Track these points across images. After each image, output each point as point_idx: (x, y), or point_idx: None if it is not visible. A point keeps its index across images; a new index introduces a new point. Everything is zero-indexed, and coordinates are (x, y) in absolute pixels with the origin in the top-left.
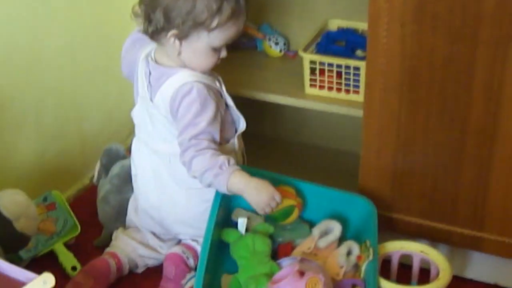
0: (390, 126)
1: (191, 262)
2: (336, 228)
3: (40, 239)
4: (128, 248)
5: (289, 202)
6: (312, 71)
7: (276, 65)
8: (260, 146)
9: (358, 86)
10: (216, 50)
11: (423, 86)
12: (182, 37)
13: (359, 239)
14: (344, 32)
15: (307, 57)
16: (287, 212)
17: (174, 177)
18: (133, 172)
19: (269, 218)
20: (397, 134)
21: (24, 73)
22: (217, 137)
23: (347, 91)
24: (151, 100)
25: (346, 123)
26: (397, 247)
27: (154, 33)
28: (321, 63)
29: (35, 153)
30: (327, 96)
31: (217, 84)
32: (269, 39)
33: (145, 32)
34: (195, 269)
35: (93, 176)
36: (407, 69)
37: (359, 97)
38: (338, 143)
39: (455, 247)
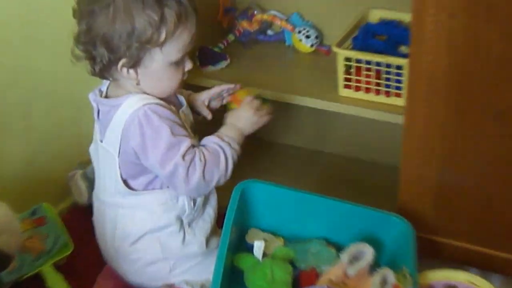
0: (435, 135)
1: None
2: (368, 253)
3: (25, 259)
4: None
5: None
6: (348, 69)
7: (306, 62)
8: (278, 155)
9: (400, 88)
10: (178, 64)
11: (475, 88)
12: (134, 64)
13: (395, 266)
14: (386, 25)
15: (342, 53)
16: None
17: (118, 232)
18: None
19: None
20: (444, 144)
21: (12, 73)
22: (190, 140)
23: (387, 94)
24: (101, 140)
25: (383, 130)
26: (441, 277)
27: (103, 71)
28: (358, 61)
29: (23, 160)
30: (363, 99)
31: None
32: (299, 32)
33: (93, 73)
34: None
35: (80, 196)
36: (456, 68)
37: (401, 101)
38: (373, 154)
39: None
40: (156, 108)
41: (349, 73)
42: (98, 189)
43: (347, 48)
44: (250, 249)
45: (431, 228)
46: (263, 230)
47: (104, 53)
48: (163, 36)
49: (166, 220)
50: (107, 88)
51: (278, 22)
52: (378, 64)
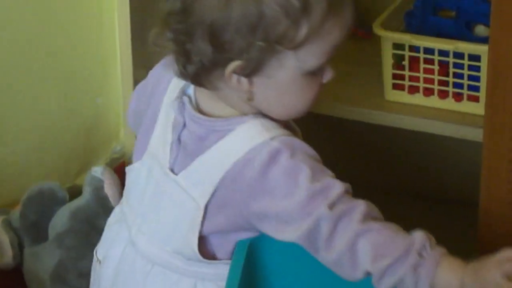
0: None
1: None
2: None
3: None
4: None
5: None
6: (398, 61)
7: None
8: None
9: (477, 89)
10: (315, 73)
11: None
12: (251, 71)
13: None
14: None
15: (390, 37)
16: None
17: None
18: (98, 255)
19: None
20: None
21: None
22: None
23: (458, 97)
24: (172, 170)
25: (455, 150)
26: None
27: (200, 74)
28: (414, 48)
29: None
30: (421, 105)
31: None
32: None
33: (182, 74)
34: None
35: (2, 255)
36: None
37: (479, 107)
38: (441, 185)
39: None
40: (293, 142)
41: (401, 67)
42: (144, 232)
43: (397, 30)
44: None
45: None
46: None
47: (207, 49)
48: (303, 33)
49: None
50: (195, 95)
51: None
52: (443, 53)
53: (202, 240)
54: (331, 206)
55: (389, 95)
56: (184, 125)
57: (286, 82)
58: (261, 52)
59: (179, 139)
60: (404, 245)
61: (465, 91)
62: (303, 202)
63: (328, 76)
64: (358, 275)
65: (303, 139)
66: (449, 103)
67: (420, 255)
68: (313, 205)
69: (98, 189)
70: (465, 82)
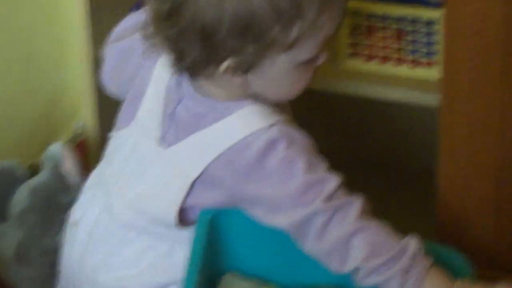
0: (487, 123)
1: None
2: None
3: None
4: None
5: None
6: (354, 30)
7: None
8: None
9: (432, 55)
10: (309, 61)
11: None
12: (244, 69)
13: None
14: None
15: None
16: None
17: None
18: (72, 219)
19: None
20: (501, 136)
21: None
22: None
23: (414, 63)
24: (162, 143)
25: (409, 117)
26: None
27: (193, 69)
28: (370, 16)
29: None
30: (377, 73)
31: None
32: None
33: (175, 68)
34: None
35: None
36: None
37: (434, 73)
38: (395, 151)
39: None
40: (291, 131)
41: (357, 35)
42: (123, 196)
43: None
44: None
45: (487, 259)
46: (245, 277)
47: (199, 50)
48: (294, 35)
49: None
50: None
51: None
52: (399, 19)
53: (182, 211)
54: (327, 199)
55: (345, 63)
56: (180, 101)
57: (280, 74)
58: (253, 53)
59: (172, 114)
60: (398, 247)
61: (421, 58)
62: (297, 192)
63: (322, 60)
64: (345, 269)
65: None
66: (405, 70)
67: (412, 259)
68: (308, 197)
69: (57, 166)
70: (421, 49)
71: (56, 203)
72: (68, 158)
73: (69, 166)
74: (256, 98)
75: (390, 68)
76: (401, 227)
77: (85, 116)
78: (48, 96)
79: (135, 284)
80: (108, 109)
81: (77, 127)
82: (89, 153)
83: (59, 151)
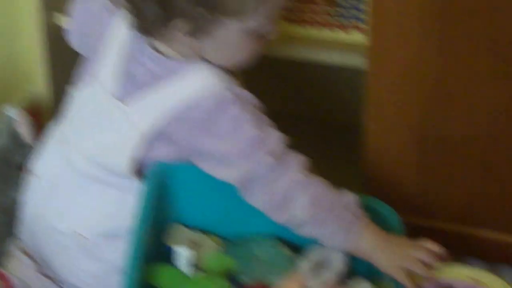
0: (412, 81)
1: None
2: (336, 259)
3: None
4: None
5: None
6: None
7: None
8: None
9: (361, 19)
10: (260, 34)
11: (465, 12)
12: (195, 31)
13: (375, 275)
14: None
15: None
16: None
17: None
18: (33, 173)
19: None
20: (423, 89)
21: None
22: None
23: (345, 28)
24: (119, 99)
25: (343, 79)
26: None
27: (148, 30)
28: None
29: None
30: (311, 37)
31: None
32: None
33: (134, 26)
34: None
35: None
36: None
37: (364, 37)
38: (330, 109)
39: None
40: (243, 93)
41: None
42: (84, 151)
43: None
44: (171, 255)
45: (411, 208)
46: (190, 227)
47: (155, 10)
48: (248, 5)
49: None
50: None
51: None
52: None
53: (137, 164)
54: (271, 153)
55: (280, 28)
56: (137, 59)
57: (231, 41)
58: (203, 16)
59: (130, 72)
60: (339, 201)
61: (352, 22)
62: (245, 148)
63: (272, 35)
64: (288, 220)
65: None
66: (338, 34)
67: (354, 214)
68: (254, 151)
69: (11, 127)
70: (353, 13)
71: (11, 163)
72: (22, 121)
73: (24, 129)
74: (209, 62)
75: (320, 32)
76: (330, 177)
77: (39, 82)
78: (2, 61)
79: (89, 231)
80: (61, 75)
81: (31, 92)
82: (42, 117)
83: (13, 115)
